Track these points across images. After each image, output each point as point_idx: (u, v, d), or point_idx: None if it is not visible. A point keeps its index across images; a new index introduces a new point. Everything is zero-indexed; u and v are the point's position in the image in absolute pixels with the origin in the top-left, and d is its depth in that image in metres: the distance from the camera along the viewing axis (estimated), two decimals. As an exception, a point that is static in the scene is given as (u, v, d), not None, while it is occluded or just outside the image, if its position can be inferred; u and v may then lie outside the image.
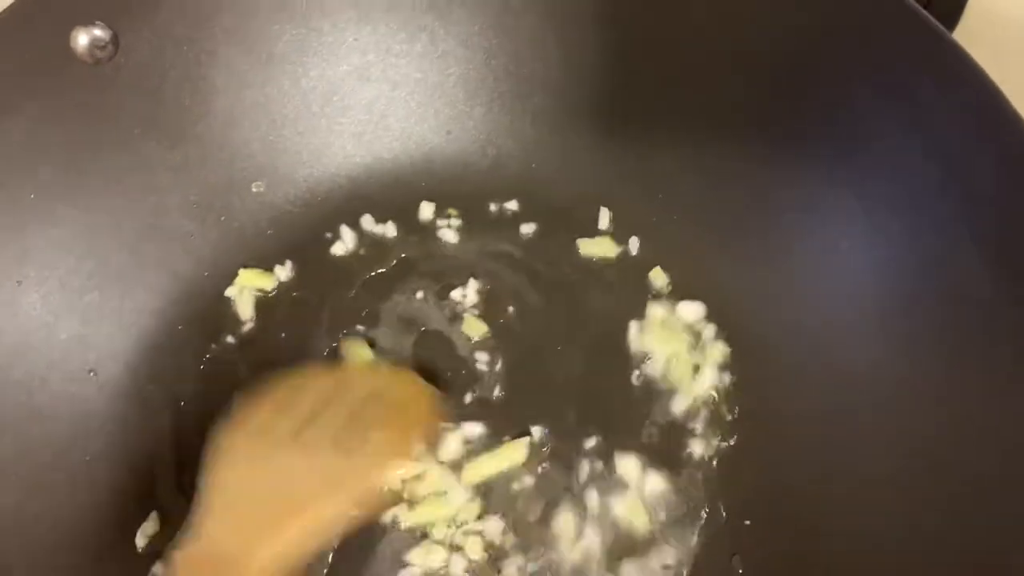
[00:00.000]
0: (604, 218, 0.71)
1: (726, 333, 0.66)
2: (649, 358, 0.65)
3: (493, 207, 0.73)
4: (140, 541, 0.60)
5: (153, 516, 0.61)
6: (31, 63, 0.62)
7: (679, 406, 0.63)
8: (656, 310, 0.67)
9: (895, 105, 0.57)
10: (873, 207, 0.59)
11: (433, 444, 0.61)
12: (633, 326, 0.67)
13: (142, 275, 0.68)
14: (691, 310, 0.67)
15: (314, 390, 0.60)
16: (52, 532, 0.59)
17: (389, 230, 0.72)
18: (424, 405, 0.62)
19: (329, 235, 0.72)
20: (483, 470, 0.61)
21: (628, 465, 0.61)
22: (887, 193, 0.58)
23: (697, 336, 0.66)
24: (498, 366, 0.66)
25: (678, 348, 0.65)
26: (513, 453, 0.61)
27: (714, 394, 0.64)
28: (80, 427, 0.63)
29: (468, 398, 0.65)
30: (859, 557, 0.55)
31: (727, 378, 0.64)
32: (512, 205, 0.73)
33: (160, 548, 0.59)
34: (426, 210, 0.73)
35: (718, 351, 0.65)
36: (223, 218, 0.71)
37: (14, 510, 0.59)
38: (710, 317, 0.67)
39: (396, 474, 0.58)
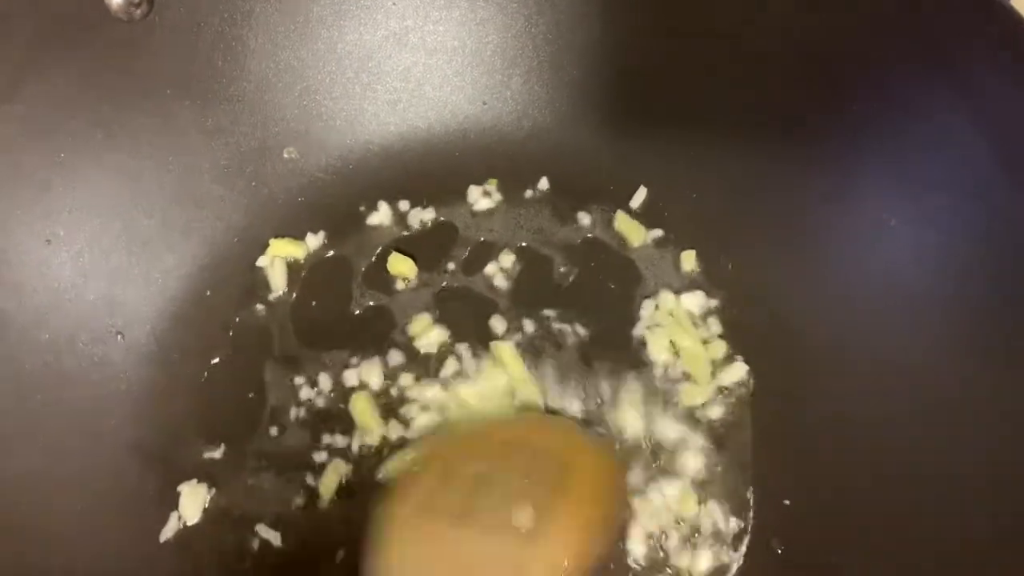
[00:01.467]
0: (639, 198, 0.70)
1: (760, 318, 0.64)
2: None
3: (527, 180, 0.72)
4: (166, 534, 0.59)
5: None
6: (64, 20, 0.60)
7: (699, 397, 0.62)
8: (672, 298, 0.66)
9: (943, 81, 0.55)
10: (919, 189, 0.57)
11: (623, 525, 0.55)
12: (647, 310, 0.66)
13: (171, 239, 0.67)
14: (695, 302, 0.66)
15: (478, 450, 0.54)
16: (76, 496, 0.58)
17: (422, 201, 0.71)
18: (603, 469, 0.55)
19: (362, 207, 0.71)
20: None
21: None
22: (933, 175, 0.56)
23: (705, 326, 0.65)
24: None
25: (688, 341, 0.64)
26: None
27: (747, 379, 0.62)
28: (106, 390, 0.62)
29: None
30: (896, 536, 0.54)
31: (757, 365, 0.63)
32: (545, 180, 0.72)
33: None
34: (463, 182, 0.72)
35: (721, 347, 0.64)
36: (254, 184, 0.70)
37: (39, 473, 0.58)
38: (744, 302, 0.65)
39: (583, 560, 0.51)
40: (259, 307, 0.67)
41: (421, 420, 0.61)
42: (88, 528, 0.57)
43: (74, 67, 0.61)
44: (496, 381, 0.62)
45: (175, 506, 0.59)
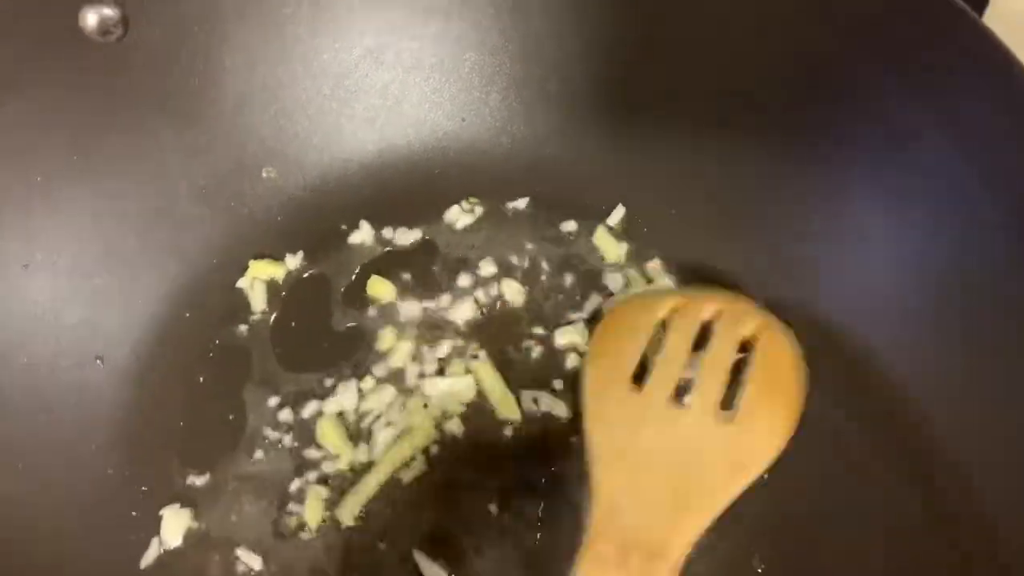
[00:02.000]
0: (617, 215, 0.70)
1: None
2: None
3: (507, 196, 0.72)
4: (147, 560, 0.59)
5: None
6: (39, 41, 0.60)
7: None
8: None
9: (925, 97, 0.56)
10: (902, 199, 0.58)
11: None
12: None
13: (150, 260, 0.67)
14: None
15: (674, 325, 0.53)
16: (56, 521, 0.58)
17: (402, 219, 0.71)
18: (792, 354, 0.54)
19: (343, 225, 0.71)
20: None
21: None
22: (916, 185, 0.56)
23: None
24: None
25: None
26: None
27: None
28: (87, 415, 0.62)
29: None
30: (881, 552, 0.54)
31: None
32: (525, 194, 0.72)
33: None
34: (443, 199, 0.72)
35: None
36: (233, 204, 0.70)
37: (19, 500, 0.57)
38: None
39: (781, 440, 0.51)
40: (239, 328, 0.67)
41: (383, 436, 0.61)
42: (68, 554, 0.57)
43: (50, 89, 0.61)
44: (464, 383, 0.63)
45: (156, 531, 0.59)
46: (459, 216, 0.71)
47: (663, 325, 0.56)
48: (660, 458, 0.47)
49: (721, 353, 0.51)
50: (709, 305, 0.55)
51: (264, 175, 0.70)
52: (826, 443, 0.57)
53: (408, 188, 0.72)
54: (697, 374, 0.51)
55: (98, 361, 0.64)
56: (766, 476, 0.57)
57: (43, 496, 0.58)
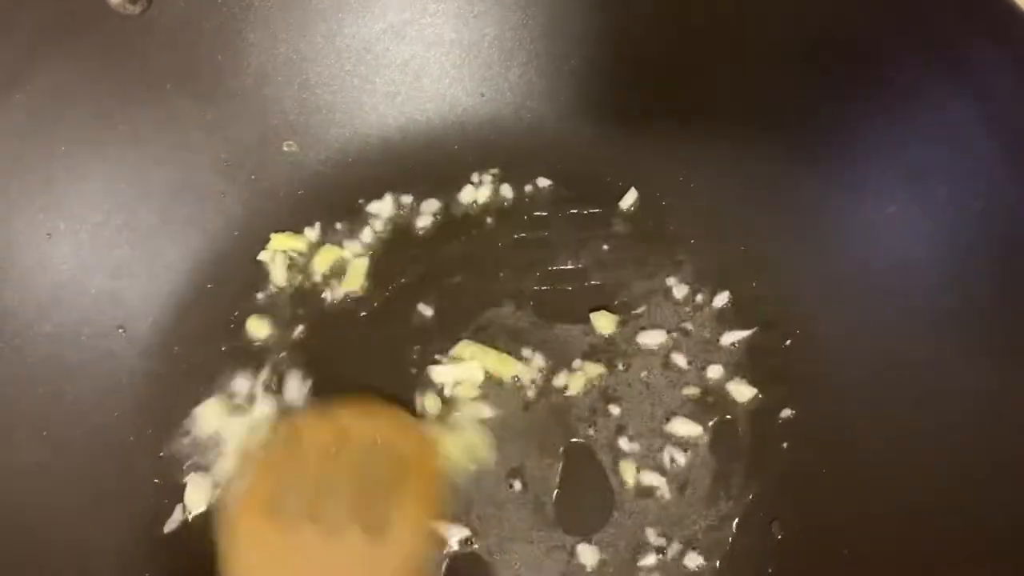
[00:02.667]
0: (629, 199, 0.70)
1: (765, 307, 0.65)
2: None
3: (526, 172, 0.72)
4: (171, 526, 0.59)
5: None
6: (64, 14, 0.61)
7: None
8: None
9: (944, 71, 0.56)
10: (921, 174, 0.58)
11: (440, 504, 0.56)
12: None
13: (172, 232, 0.67)
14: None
15: (314, 448, 0.53)
16: (79, 487, 0.58)
17: (421, 193, 0.72)
18: (428, 453, 0.56)
19: (362, 200, 0.71)
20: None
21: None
22: (936, 160, 0.57)
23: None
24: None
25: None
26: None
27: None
28: (109, 384, 0.63)
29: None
30: (896, 523, 0.54)
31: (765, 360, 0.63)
32: (544, 170, 0.72)
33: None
34: (462, 174, 0.72)
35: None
36: (254, 177, 0.70)
37: (42, 466, 0.58)
38: (751, 291, 0.65)
39: (424, 547, 0.53)
40: (260, 299, 0.67)
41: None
42: (92, 520, 0.57)
43: (74, 60, 0.62)
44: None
45: (178, 497, 0.59)
46: (477, 190, 0.71)
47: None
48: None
49: (356, 474, 0.51)
50: (345, 426, 0.55)
51: (285, 149, 0.71)
52: (848, 414, 0.58)
53: (427, 162, 0.72)
54: (336, 492, 0.52)
55: (120, 330, 0.64)
56: (786, 444, 0.59)
57: (66, 462, 0.59)
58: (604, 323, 0.65)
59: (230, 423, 0.62)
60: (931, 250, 0.58)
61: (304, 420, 0.55)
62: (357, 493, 0.50)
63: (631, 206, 0.70)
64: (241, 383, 0.63)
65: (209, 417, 0.62)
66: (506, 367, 0.63)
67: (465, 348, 0.64)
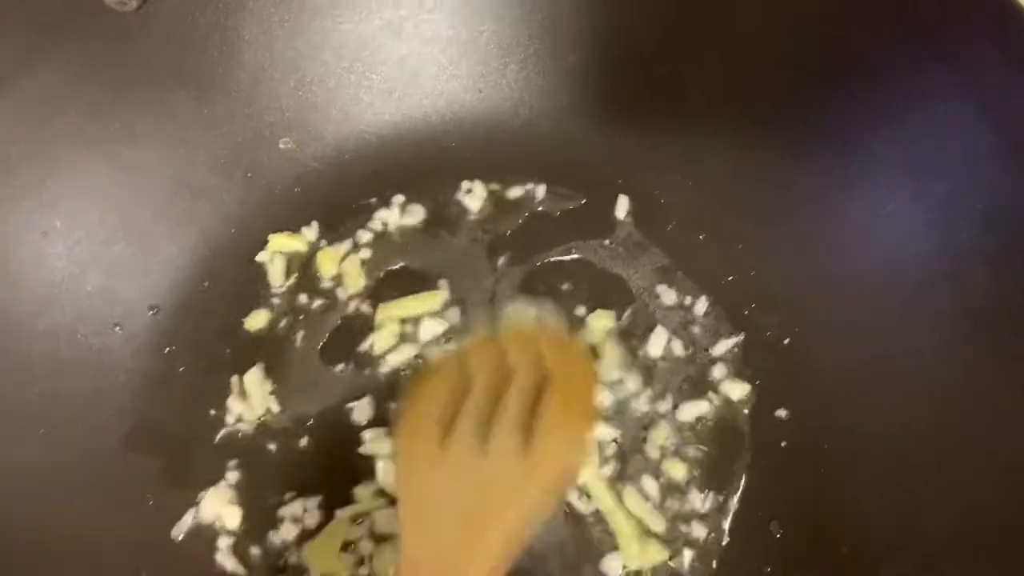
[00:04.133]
0: (622, 207, 0.70)
1: (763, 306, 0.64)
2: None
3: (523, 169, 0.72)
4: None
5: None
6: (59, 11, 0.60)
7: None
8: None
9: (944, 66, 0.56)
10: (920, 172, 0.57)
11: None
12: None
13: (168, 230, 0.67)
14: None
15: (480, 370, 0.53)
16: (76, 486, 0.58)
17: (418, 190, 0.71)
18: (586, 371, 0.56)
19: (358, 197, 0.71)
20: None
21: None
22: (935, 155, 0.56)
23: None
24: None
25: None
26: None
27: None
28: (105, 382, 0.62)
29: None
30: (894, 522, 0.54)
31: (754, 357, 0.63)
32: (539, 168, 0.72)
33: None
34: (459, 171, 0.72)
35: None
36: (250, 175, 0.70)
37: (38, 464, 0.58)
38: (749, 289, 0.65)
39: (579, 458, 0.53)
40: (257, 298, 0.67)
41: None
42: (88, 519, 0.57)
43: (69, 57, 0.61)
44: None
45: (177, 498, 0.59)
46: (474, 188, 0.71)
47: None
48: (458, 497, 0.49)
49: (517, 390, 0.51)
50: (509, 346, 0.54)
51: (282, 146, 0.71)
52: (846, 413, 0.58)
53: (425, 159, 0.72)
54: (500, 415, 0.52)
55: (117, 328, 0.64)
56: (784, 443, 0.59)
57: (62, 460, 0.59)
58: (602, 323, 0.65)
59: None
60: (930, 248, 0.57)
61: (470, 345, 0.56)
62: (518, 409, 0.50)
63: (627, 214, 0.69)
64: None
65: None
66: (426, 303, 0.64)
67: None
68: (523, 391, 0.51)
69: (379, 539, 0.57)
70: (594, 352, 0.64)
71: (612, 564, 0.56)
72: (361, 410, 0.62)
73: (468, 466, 0.49)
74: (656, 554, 0.56)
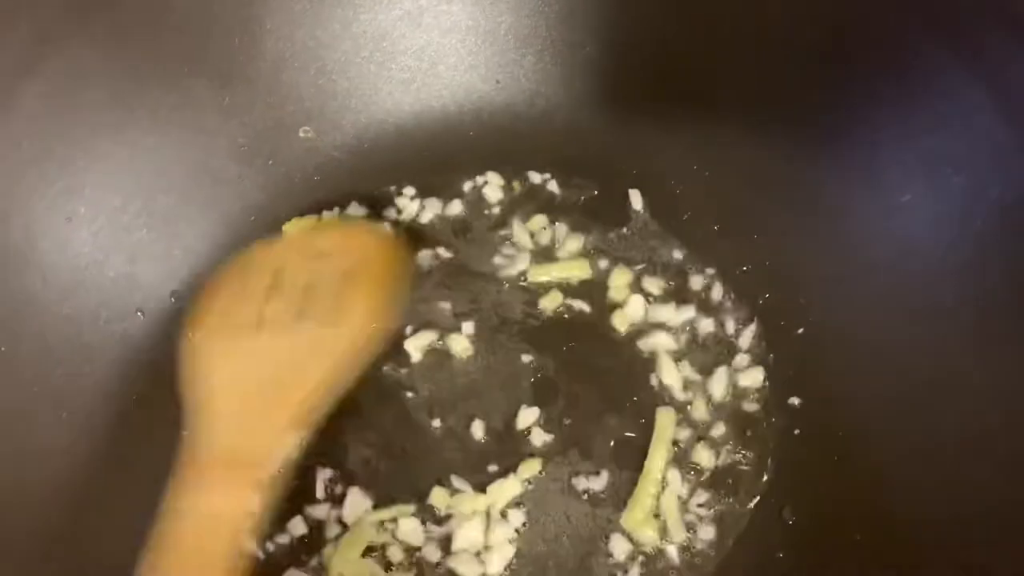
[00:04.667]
0: (636, 201, 0.70)
1: (778, 295, 0.65)
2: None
3: (541, 160, 0.72)
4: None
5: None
6: (81, -1, 0.61)
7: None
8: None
9: (961, 58, 0.56)
10: (936, 163, 0.58)
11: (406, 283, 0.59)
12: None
13: (189, 217, 0.68)
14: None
15: (266, 265, 0.57)
16: (101, 471, 0.59)
17: (436, 180, 0.72)
18: (384, 250, 0.59)
19: (376, 186, 0.71)
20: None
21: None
22: (951, 147, 0.57)
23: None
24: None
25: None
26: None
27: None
28: (128, 367, 0.63)
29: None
30: (907, 510, 0.54)
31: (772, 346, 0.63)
32: (557, 158, 0.72)
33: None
34: (477, 161, 0.72)
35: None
36: (271, 163, 0.71)
37: (64, 448, 0.59)
38: (764, 279, 0.66)
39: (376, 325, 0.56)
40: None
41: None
42: (115, 505, 0.58)
43: (93, 44, 0.62)
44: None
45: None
46: (492, 179, 0.72)
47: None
48: (251, 374, 0.51)
49: (303, 268, 0.55)
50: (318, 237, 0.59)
51: (302, 135, 0.71)
52: (860, 401, 0.59)
53: (443, 149, 0.73)
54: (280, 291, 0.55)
55: (139, 314, 0.65)
56: (798, 431, 0.60)
57: (87, 445, 0.60)
58: (623, 279, 0.66)
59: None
60: (945, 239, 0.58)
61: (261, 245, 0.59)
62: (306, 293, 0.53)
63: (643, 205, 0.70)
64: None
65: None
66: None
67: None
68: (305, 273, 0.53)
69: (406, 548, 0.58)
70: (617, 306, 0.65)
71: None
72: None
73: (255, 344, 0.51)
74: (650, 532, 0.57)
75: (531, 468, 0.59)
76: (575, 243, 0.68)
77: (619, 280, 0.66)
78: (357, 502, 0.58)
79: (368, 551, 0.57)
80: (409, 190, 0.71)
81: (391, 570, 0.57)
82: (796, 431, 0.60)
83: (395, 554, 0.57)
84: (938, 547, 0.51)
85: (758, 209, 0.67)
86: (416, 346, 0.64)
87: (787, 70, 0.65)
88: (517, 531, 0.57)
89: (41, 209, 0.62)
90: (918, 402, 0.56)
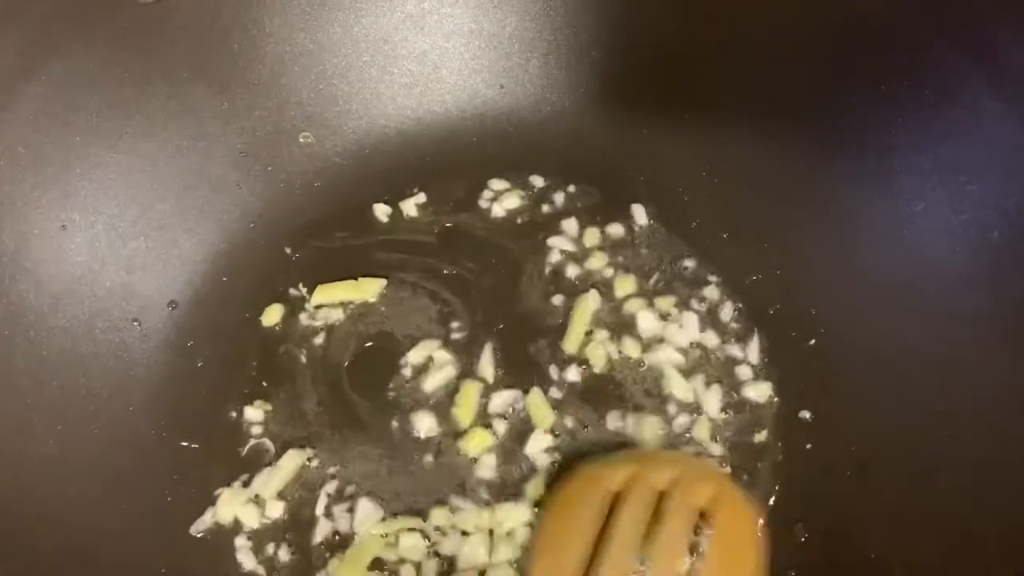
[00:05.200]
0: (640, 217, 0.69)
1: (788, 305, 0.63)
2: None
3: (545, 165, 0.71)
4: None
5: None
6: (79, 2, 0.60)
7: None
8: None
9: (977, 64, 0.55)
10: (951, 171, 0.57)
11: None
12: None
13: (187, 224, 0.67)
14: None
15: (627, 498, 0.51)
16: (96, 482, 0.58)
17: (438, 186, 0.71)
18: (746, 517, 0.53)
19: (377, 193, 0.71)
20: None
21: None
22: (966, 155, 0.56)
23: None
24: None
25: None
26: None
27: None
28: (123, 377, 0.62)
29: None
30: (923, 526, 0.53)
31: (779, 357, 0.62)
32: (562, 163, 0.71)
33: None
34: (480, 166, 0.71)
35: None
36: (270, 168, 0.69)
37: (56, 460, 0.57)
38: (774, 288, 0.64)
39: None
40: (276, 293, 0.66)
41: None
42: (108, 513, 0.57)
43: (91, 48, 0.61)
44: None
45: (196, 493, 0.59)
46: (496, 184, 0.71)
47: (617, 496, 0.53)
48: None
49: (675, 531, 0.49)
50: (663, 475, 0.52)
51: (302, 140, 0.70)
52: (872, 414, 0.57)
53: (446, 154, 0.72)
54: (653, 552, 0.49)
55: (135, 323, 0.64)
56: (809, 445, 0.58)
57: (82, 456, 0.58)
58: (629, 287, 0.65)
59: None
60: (960, 248, 0.57)
61: (595, 469, 0.54)
62: (653, 542, 0.49)
63: (648, 216, 0.69)
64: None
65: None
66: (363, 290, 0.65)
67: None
68: (677, 534, 0.49)
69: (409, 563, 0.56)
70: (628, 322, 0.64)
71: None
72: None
73: None
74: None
75: (539, 489, 0.58)
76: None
77: (623, 288, 0.65)
78: (364, 515, 0.57)
79: (375, 566, 0.56)
80: (423, 190, 0.71)
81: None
82: (807, 445, 0.58)
83: (399, 569, 0.56)
84: (957, 566, 0.50)
85: (769, 216, 0.66)
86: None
87: (798, 75, 0.64)
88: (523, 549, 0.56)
89: (36, 217, 0.61)
90: (934, 415, 0.55)
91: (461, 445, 0.59)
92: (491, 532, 0.56)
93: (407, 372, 0.63)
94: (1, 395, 0.57)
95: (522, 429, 0.60)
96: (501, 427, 0.60)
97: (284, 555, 0.57)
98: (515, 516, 0.57)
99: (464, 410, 0.61)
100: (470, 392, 0.61)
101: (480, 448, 0.59)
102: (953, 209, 0.57)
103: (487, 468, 0.59)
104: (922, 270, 0.58)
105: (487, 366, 0.62)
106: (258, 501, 0.58)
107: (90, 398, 0.60)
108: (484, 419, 0.61)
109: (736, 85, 0.67)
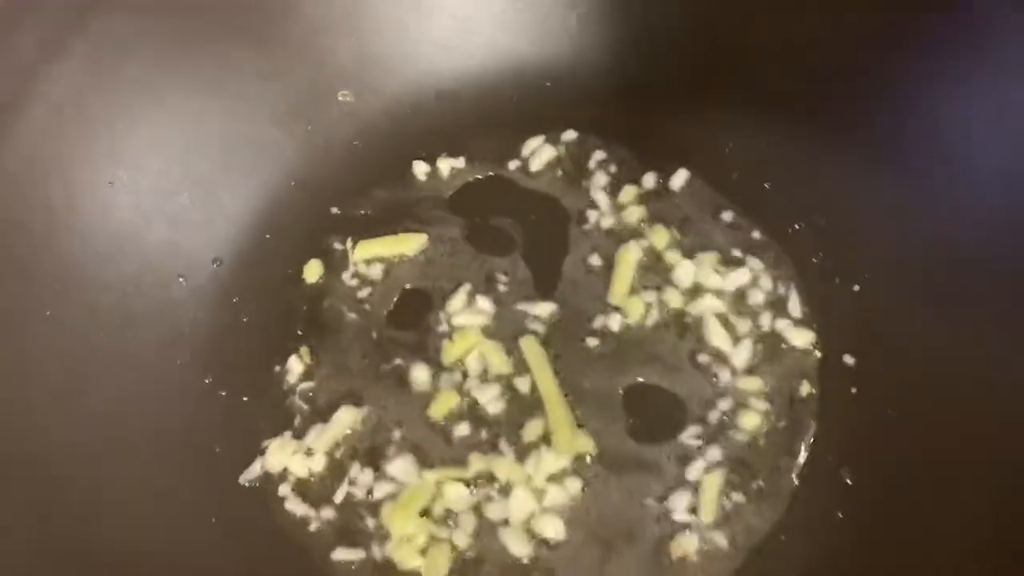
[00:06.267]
0: (680, 178, 0.69)
1: (832, 251, 0.63)
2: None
3: (582, 124, 0.71)
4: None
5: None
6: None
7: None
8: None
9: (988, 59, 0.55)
10: (999, 113, 0.56)
11: None
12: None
13: (230, 182, 0.67)
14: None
15: None
16: (144, 439, 0.58)
17: (476, 145, 0.71)
18: None
19: (416, 151, 0.71)
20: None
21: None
22: (1016, 97, 0.55)
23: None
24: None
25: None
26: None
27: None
28: (172, 333, 0.63)
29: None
30: (967, 466, 0.53)
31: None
32: (599, 124, 0.71)
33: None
34: (518, 124, 0.71)
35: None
36: (310, 127, 0.70)
37: (110, 413, 0.58)
38: (820, 236, 0.64)
39: None
40: (320, 248, 0.67)
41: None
42: (159, 466, 0.58)
43: (133, 10, 0.62)
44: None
45: (245, 444, 0.60)
46: (533, 144, 0.71)
47: None
48: None
49: None
50: None
51: (340, 99, 0.71)
52: (916, 359, 0.57)
53: (483, 113, 0.72)
54: None
55: (181, 280, 0.64)
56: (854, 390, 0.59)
57: (133, 411, 0.59)
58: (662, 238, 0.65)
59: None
60: (1008, 194, 0.56)
61: None
62: None
63: (687, 175, 0.68)
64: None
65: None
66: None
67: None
68: None
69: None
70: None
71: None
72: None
73: None
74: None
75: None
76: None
77: (661, 241, 0.65)
78: (409, 464, 0.58)
79: (422, 514, 0.57)
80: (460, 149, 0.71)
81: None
82: (852, 390, 0.59)
83: (445, 517, 0.57)
84: (1003, 502, 0.50)
85: (810, 165, 0.65)
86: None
87: (844, 23, 0.63)
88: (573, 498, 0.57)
89: (83, 173, 0.61)
90: (979, 359, 0.55)
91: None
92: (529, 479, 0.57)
93: (448, 325, 0.63)
94: (54, 352, 0.57)
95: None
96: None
97: (332, 503, 0.57)
98: (551, 463, 0.57)
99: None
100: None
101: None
102: (1003, 156, 0.56)
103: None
104: (967, 215, 0.58)
105: (530, 320, 0.63)
106: (308, 452, 0.59)
107: (140, 353, 0.61)
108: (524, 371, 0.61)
109: (779, 40, 0.66)
